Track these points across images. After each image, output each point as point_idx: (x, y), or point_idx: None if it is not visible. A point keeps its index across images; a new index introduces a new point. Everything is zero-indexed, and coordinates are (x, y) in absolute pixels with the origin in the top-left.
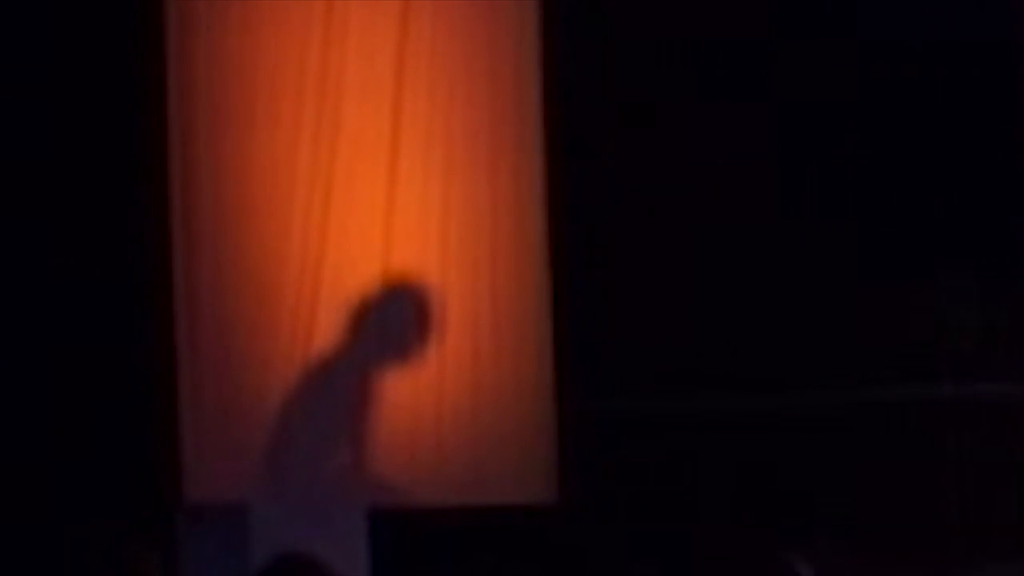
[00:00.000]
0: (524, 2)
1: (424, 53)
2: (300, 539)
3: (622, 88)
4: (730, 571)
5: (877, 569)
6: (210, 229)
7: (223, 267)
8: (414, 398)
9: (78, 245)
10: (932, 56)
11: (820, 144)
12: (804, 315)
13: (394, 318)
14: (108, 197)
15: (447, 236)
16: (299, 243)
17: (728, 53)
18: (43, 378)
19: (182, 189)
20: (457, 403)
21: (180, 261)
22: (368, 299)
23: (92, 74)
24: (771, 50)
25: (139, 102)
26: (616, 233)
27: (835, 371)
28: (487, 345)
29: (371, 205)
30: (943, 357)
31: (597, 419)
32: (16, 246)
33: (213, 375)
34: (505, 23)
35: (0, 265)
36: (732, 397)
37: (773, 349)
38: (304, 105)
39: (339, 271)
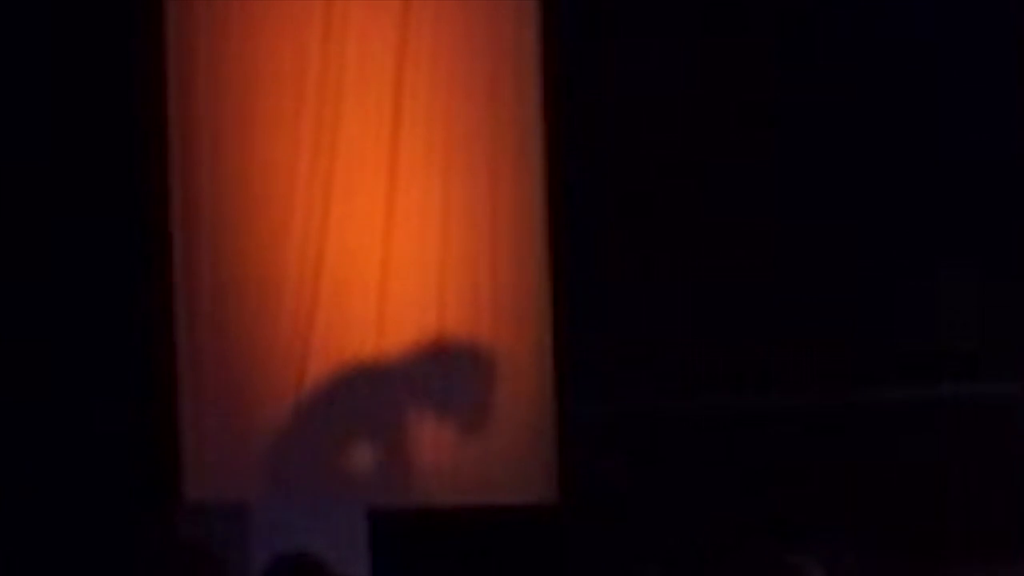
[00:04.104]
0: (524, 2)
1: (424, 53)
2: (300, 539)
3: (622, 88)
4: (731, 571)
5: (878, 569)
6: (210, 229)
7: (223, 267)
8: (414, 398)
9: (78, 245)
10: (933, 56)
11: (820, 143)
12: (804, 315)
13: (395, 324)
14: (108, 197)
15: (447, 236)
16: (299, 243)
17: (728, 51)
18: (44, 378)
19: (182, 189)
20: (458, 403)
21: (180, 261)
22: (369, 303)
23: (92, 74)
24: (772, 48)
25: (139, 102)
26: (616, 233)
27: (835, 371)
28: (487, 345)
29: (371, 205)
30: (943, 357)
31: (597, 420)
32: (17, 246)
33: (213, 375)
34: (505, 23)
35: (0, 265)
36: (732, 397)
37: (773, 349)
38: (304, 105)
39: (339, 271)
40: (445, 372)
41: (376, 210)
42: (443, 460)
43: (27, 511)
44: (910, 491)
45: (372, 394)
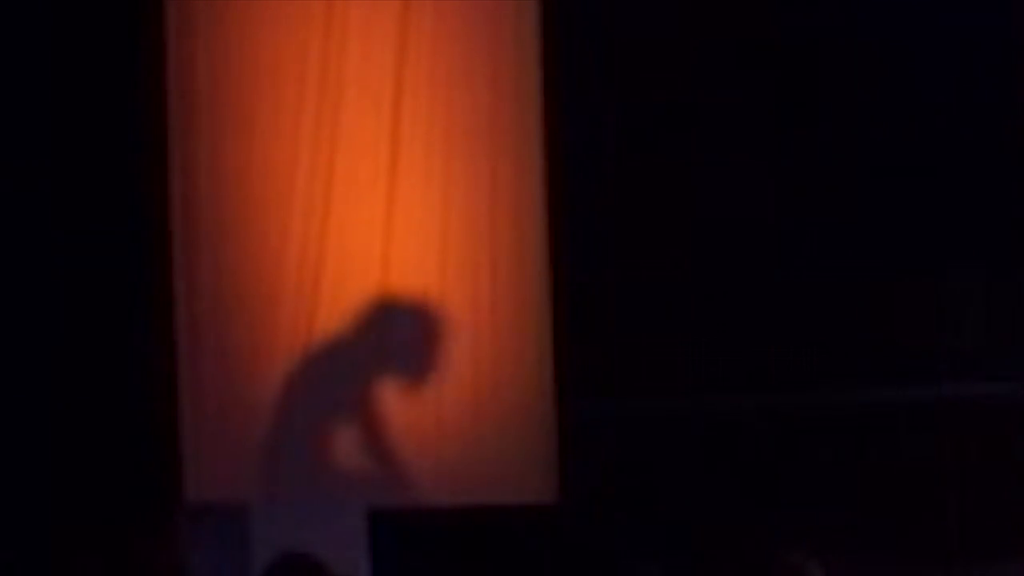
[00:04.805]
0: (524, 2)
1: (424, 53)
2: (300, 539)
3: (622, 88)
4: (731, 571)
5: (877, 569)
6: (210, 229)
7: (223, 267)
8: (414, 398)
9: (78, 245)
10: (934, 55)
11: (821, 143)
12: (804, 315)
13: (393, 322)
14: (108, 197)
15: (447, 237)
16: (299, 243)
17: (727, 51)
18: (44, 378)
19: (182, 189)
20: (457, 403)
21: (180, 261)
22: (369, 302)
23: (92, 74)
24: (772, 47)
25: (139, 102)
26: (616, 234)
27: (835, 371)
28: (487, 346)
29: (371, 205)
30: (943, 357)
31: (597, 419)
32: (17, 246)
33: (213, 375)
34: (505, 23)
35: (1, 265)
36: (732, 397)
37: (773, 349)
38: (304, 105)
39: (339, 271)
40: (445, 372)
41: (376, 210)
42: (443, 460)
43: (27, 512)
44: (910, 491)
45: (372, 395)
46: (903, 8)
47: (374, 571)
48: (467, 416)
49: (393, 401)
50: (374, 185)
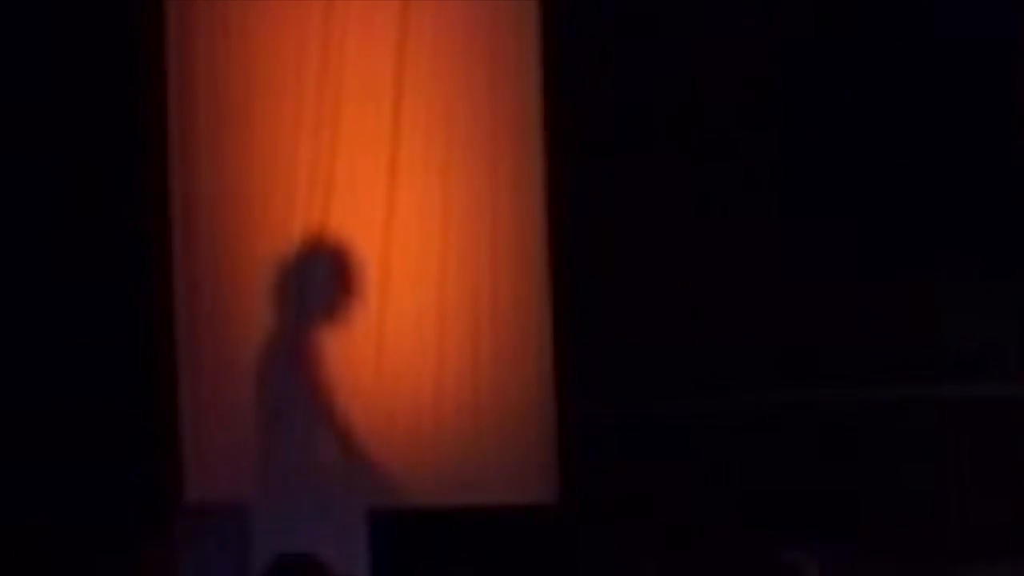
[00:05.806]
0: (524, 2)
1: (424, 53)
2: (300, 539)
3: (622, 88)
4: (730, 571)
5: (877, 569)
6: (210, 229)
7: (223, 267)
8: (414, 398)
9: (78, 243)
10: (932, 56)
11: (820, 144)
12: (804, 315)
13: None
14: (109, 196)
15: (447, 236)
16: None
17: (727, 52)
18: (44, 377)
19: (182, 188)
20: (457, 403)
21: (180, 260)
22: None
23: (93, 74)
24: (771, 49)
25: (140, 102)
26: (616, 233)
27: (835, 371)
28: (487, 345)
29: (371, 205)
30: (943, 357)
31: (597, 419)
32: (17, 244)
33: (213, 375)
34: (505, 23)
35: (1, 264)
36: (732, 397)
37: (772, 349)
38: (304, 105)
39: None
40: (444, 372)
41: (376, 210)
42: (443, 460)
43: (26, 512)
44: (910, 491)
45: (372, 394)
46: (902, 9)
47: (374, 571)
48: (467, 416)
49: (393, 400)
50: (374, 185)
